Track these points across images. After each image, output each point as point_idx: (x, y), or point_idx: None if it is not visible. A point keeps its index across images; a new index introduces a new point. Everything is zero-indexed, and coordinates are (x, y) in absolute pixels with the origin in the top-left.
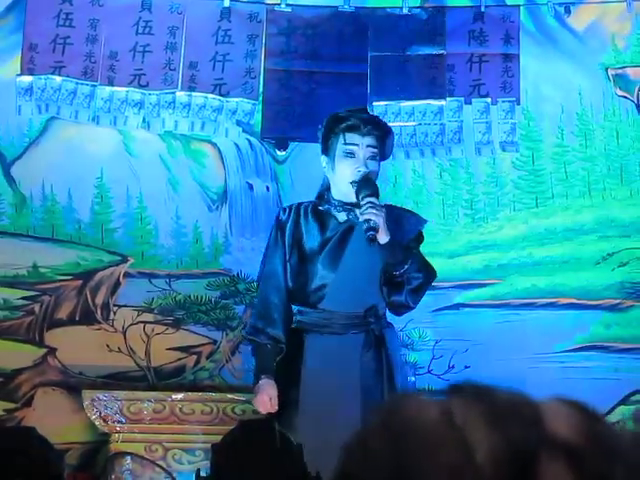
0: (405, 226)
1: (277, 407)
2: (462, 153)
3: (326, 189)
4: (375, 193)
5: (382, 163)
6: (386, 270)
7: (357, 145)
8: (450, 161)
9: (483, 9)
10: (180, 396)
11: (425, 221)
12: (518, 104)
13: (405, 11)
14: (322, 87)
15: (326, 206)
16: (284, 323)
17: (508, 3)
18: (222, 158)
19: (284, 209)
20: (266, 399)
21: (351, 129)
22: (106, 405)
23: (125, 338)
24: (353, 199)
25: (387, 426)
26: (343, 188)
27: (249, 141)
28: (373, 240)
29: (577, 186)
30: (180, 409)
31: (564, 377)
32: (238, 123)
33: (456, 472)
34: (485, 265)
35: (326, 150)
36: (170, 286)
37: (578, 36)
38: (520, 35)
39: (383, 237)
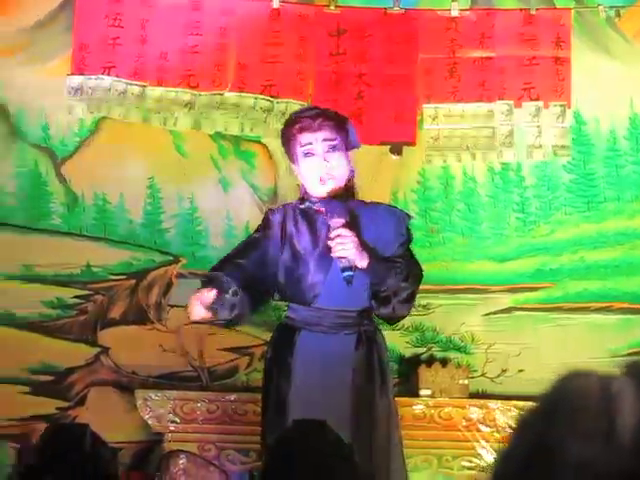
0: (391, 227)
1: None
2: (513, 156)
3: (303, 192)
4: (342, 215)
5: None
6: (372, 287)
7: (312, 143)
8: (501, 164)
9: (533, 12)
10: (233, 397)
11: (410, 217)
12: (569, 107)
13: (455, 13)
14: (372, 89)
15: (307, 204)
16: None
17: (558, 6)
18: (272, 159)
19: (271, 210)
20: (194, 302)
21: (303, 130)
22: (159, 405)
23: (178, 338)
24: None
25: (544, 397)
26: (313, 186)
27: None
28: (349, 282)
29: (629, 190)
30: (233, 409)
31: None
32: None
33: (591, 436)
34: (536, 269)
35: (291, 157)
36: None
37: (628, 39)
38: (571, 38)
39: (361, 262)
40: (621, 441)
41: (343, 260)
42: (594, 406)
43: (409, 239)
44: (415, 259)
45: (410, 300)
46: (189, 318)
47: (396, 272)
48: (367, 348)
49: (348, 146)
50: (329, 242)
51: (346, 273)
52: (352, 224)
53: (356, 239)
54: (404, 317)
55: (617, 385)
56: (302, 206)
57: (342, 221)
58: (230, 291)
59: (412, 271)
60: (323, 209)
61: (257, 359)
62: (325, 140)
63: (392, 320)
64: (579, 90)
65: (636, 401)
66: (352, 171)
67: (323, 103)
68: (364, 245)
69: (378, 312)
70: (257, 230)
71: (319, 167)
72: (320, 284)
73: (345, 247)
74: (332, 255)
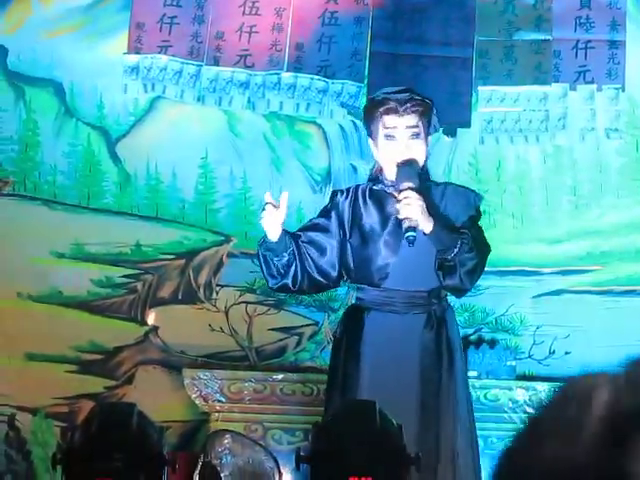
0: (459, 205)
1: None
2: (566, 139)
3: (378, 171)
4: (413, 180)
5: (484, 147)
6: (437, 255)
7: (396, 127)
8: (554, 147)
9: None
10: (281, 376)
11: (481, 197)
12: (623, 91)
13: None
14: (427, 71)
15: (380, 186)
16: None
17: None
18: (326, 140)
19: (340, 191)
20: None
21: (389, 112)
22: (206, 384)
23: (227, 318)
24: None
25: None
26: (390, 170)
27: (354, 123)
28: (412, 242)
29: None
30: (281, 389)
31: None
32: (343, 105)
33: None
34: (587, 252)
35: (370, 134)
36: None
37: None
38: (627, 22)
39: (426, 227)
40: (589, 430)
41: (407, 220)
42: (578, 397)
43: (478, 216)
44: (484, 237)
45: (476, 271)
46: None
47: (462, 241)
48: (436, 328)
49: (428, 131)
50: (396, 204)
51: (409, 233)
52: (421, 193)
53: (422, 202)
54: (467, 291)
55: (612, 380)
56: (375, 187)
57: (411, 184)
58: (286, 255)
59: (479, 244)
60: (396, 193)
61: (306, 339)
62: (409, 127)
63: (459, 292)
64: (634, 74)
65: (614, 395)
66: (427, 155)
67: (379, 85)
68: (431, 211)
69: (445, 283)
70: (323, 212)
71: (399, 153)
72: (389, 265)
73: (411, 208)
74: (397, 216)
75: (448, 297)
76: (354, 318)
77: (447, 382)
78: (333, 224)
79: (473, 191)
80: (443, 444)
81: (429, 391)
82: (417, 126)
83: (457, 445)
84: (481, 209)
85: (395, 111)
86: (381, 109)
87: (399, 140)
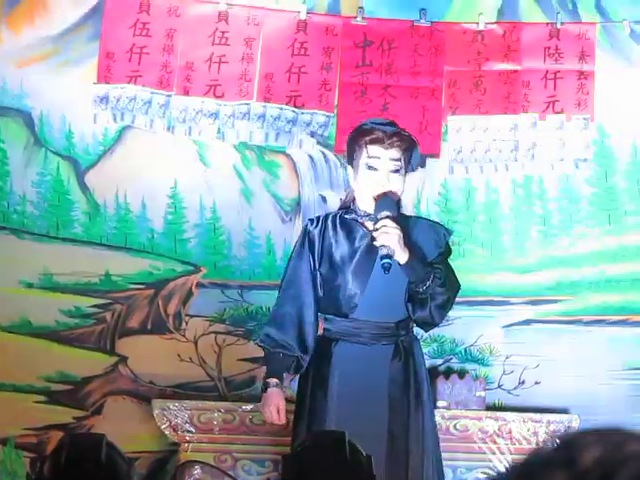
0: (430, 239)
1: (284, 418)
2: (536, 169)
3: (351, 200)
4: (392, 211)
5: (453, 177)
6: (409, 287)
7: (379, 158)
8: (524, 177)
9: (559, 26)
10: (250, 407)
11: (451, 232)
12: (592, 121)
13: (481, 26)
14: (397, 101)
15: (353, 215)
16: (298, 333)
17: (584, 20)
18: (296, 170)
19: (311, 220)
20: (274, 410)
21: (374, 142)
22: (176, 414)
23: (196, 348)
24: None
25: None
26: (366, 200)
27: (323, 153)
28: (387, 269)
29: None
30: (250, 420)
31: (635, 394)
32: (312, 135)
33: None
34: (557, 281)
35: (351, 161)
36: (242, 297)
37: None
38: (596, 52)
39: (401, 257)
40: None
41: (384, 249)
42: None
43: (448, 252)
44: (454, 273)
45: (446, 307)
46: (266, 419)
47: (434, 275)
48: (404, 359)
49: (408, 169)
50: (373, 233)
51: (385, 260)
52: (399, 223)
53: (400, 232)
54: (436, 325)
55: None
56: (347, 216)
57: (389, 214)
58: (292, 368)
59: (450, 280)
60: (369, 223)
61: None
62: (392, 160)
63: (427, 325)
64: (603, 104)
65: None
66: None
67: (348, 114)
68: (406, 242)
69: (415, 316)
70: (297, 244)
71: (379, 185)
72: (358, 296)
73: (389, 236)
74: (374, 243)
75: (414, 329)
76: (322, 348)
77: (415, 413)
78: (306, 260)
79: (443, 226)
80: (411, 475)
81: (398, 422)
82: (400, 160)
83: (425, 476)
84: (450, 245)
85: (381, 142)
86: (367, 138)
87: (381, 171)
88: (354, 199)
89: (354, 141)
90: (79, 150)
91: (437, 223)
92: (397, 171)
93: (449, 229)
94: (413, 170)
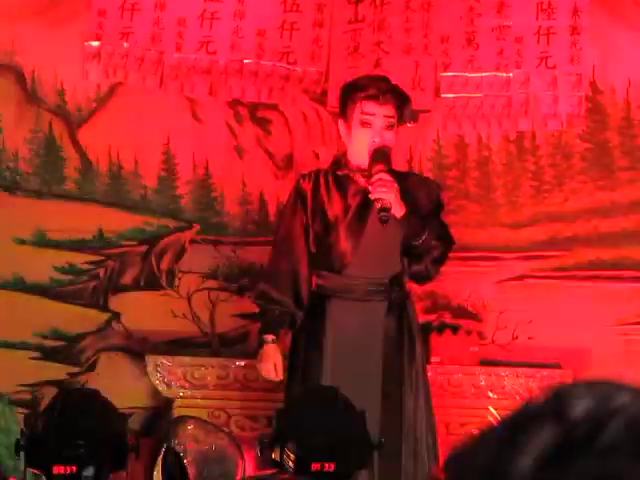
0: (423, 194)
1: (282, 374)
2: (529, 125)
3: (342, 154)
4: (387, 165)
5: (446, 133)
6: (405, 241)
7: (374, 115)
8: (516, 132)
9: None
10: (244, 363)
11: (442, 188)
12: (585, 77)
13: None
14: (389, 57)
15: (345, 170)
16: (294, 289)
17: None
18: (289, 126)
19: (304, 176)
20: (271, 366)
21: (369, 98)
22: (170, 370)
23: (190, 304)
24: None
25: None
26: (359, 155)
27: (316, 110)
28: (385, 221)
29: None
30: (244, 375)
31: (627, 349)
32: (305, 91)
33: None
34: (550, 237)
35: (344, 116)
36: (235, 253)
37: None
38: (588, 7)
39: (398, 211)
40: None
41: (381, 201)
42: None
43: (441, 207)
44: (447, 228)
45: (441, 261)
46: (263, 376)
47: (430, 229)
48: (397, 315)
49: (400, 122)
50: (369, 186)
51: (383, 213)
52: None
53: (397, 186)
54: (432, 279)
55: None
56: (340, 172)
57: (384, 167)
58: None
59: (444, 233)
60: (361, 180)
61: None
62: (386, 116)
63: (423, 279)
64: (595, 59)
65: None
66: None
67: (341, 71)
68: (402, 196)
69: (410, 270)
70: (289, 200)
71: (372, 139)
72: (351, 252)
73: (386, 189)
74: (370, 196)
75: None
76: (315, 305)
77: (409, 369)
78: (299, 217)
79: (434, 181)
80: (405, 430)
81: (392, 378)
82: (393, 116)
83: (418, 431)
84: (443, 200)
85: (376, 99)
86: (361, 94)
87: (375, 128)
88: (345, 154)
89: (348, 96)
90: (71, 107)
91: (428, 178)
92: (391, 127)
93: (440, 185)
94: (404, 123)
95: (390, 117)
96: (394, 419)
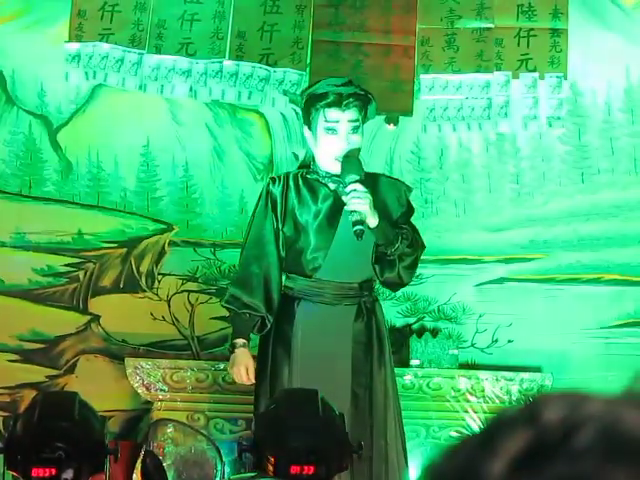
0: (394, 199)
1: (254, 378)
2: (509, 127)
3: (311, 159)
4: (358, 172)
5: (426, 135)
6: (376, 249)
7: (338, 121)
8: (496, 135)
9: None
10: (223, 365)
11: (411, 190)
12: (565, 79)
13: None
14: (369, 59)
15: (314, 175)
16: (265, 293)
17: None
18: (268, 128)
19: (273, 179)
20: (242, 370)
21: (330, 105)
22: (149, 373)
23: (169, 307)
24: (339, 171)
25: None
26: (327, 162)
27: (295, 111)
28: (360, 235)
29: (623, 162)
30: (223, 378)
31: (607, 353)
32: (285, 93)
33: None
34: (530, 240)
35: (308, 124)
36: (215, 255)
37: (626, 11)
38: (569, 9)
39: (372, 222)
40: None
41: (355, 214)
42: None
43: (411, 211)
44: (418, 233)
45: (413, 267)
46: (235, 380)
47: (402, 236)
48: (366, 319)
49: (365, 121)
50: (343, 197)
51: (357, 227)
52: (367, 186)
53: (370, 197)
54: (406, 284)
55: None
56: (309, 176)
57: (357, 177)
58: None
59: (416, 240)
60: (331, 184)
61: None
62: (350, 121)
63: (395, 286)
64: (576, 61)
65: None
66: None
67: (321, 73)
68: (376, 204)
69: (383, 277)
70: (259, 203)
71: (339, 146)
72: (322, 256)
73: (360, 201)
74: (346, 208)
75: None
76: (284, 307)
77: (377, 373)
78: (269, 220)
79: (404, 183)
80: (375, 434)
81: (361, 382)
82: (358, 120)
83: (388, 436)
84: (412, 203)
85: (338, 104)
86: (323, 102)
87: (340, 134)
88: (313, 159)
89: (310, 104)
90: (51, 108)
91: (397, 180)
92: (356, 130)
93: (409, 186)
94: (369, 119)
95: (354, 121)
96: (364, 423)
